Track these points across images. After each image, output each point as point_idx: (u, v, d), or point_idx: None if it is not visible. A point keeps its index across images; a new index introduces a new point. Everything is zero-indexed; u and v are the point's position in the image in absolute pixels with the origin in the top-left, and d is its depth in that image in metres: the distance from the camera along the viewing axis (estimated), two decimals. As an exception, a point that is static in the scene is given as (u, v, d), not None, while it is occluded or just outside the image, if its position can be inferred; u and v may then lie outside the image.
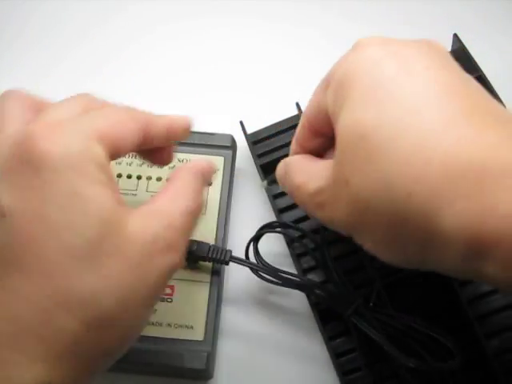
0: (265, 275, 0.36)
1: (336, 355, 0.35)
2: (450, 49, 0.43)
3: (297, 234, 0.38)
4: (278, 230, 0.38)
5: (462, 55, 0.42)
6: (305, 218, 0.39)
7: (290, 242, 0.38)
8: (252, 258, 0.36)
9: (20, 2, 0.51)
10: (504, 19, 0.48)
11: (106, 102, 0.30)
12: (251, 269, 0.36)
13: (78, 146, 0.25)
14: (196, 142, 0.41)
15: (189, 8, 0.51)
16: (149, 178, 0.39)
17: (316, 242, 0.37)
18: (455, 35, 0.42)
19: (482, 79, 0.40)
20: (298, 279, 0.36)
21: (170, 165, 0.39)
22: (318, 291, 0.35)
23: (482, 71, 0.40)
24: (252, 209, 0.41)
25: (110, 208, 0.25)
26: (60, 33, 0.50)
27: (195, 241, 0.36)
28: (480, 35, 0.45)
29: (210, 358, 0.34)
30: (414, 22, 0.48)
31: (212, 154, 0.40)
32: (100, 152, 0.26)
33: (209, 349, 0.34)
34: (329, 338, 0.36)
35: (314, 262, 0.37)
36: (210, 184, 0.39)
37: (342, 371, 0.35)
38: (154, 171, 0.40)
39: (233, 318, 0.38)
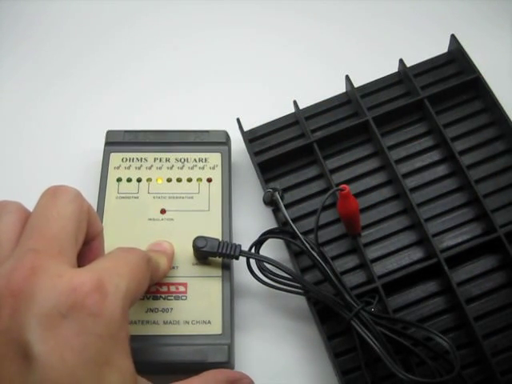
0: (268, 281, 0.36)
1: (335, 354, 0.35)
2: (447, 49, 0.44)
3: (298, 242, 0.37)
4: (281, 236, 0.38)
5: (459, 56, 0.43)
6: (304, 217, 0.40)
7: (288, 243, 0.38)
8: (253, 261, 0.37)
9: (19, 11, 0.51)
10: (501, 20, 0.49)
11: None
12: (253, 275, 0.36)
13: (119, 316, 0.26)
14: (191, 140, 0.41)
15: (189, 8, 0.51)
16: (149, 180, 0.40)
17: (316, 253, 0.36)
18: (453, 36, 0.43)
19: (479, 80, 0.41)
20: (299, 285, 0.36)
21: (169, 164, 0.40)
22: (318, 297, 0.35)
23: (479, 72, 0.41)
24: (251, 207, 0.42)
25: (133, 381, 0.26)
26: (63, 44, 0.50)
27: (204, 237, 0.36)
28: (477, 36, 0.47)
29: (231, 350, 0.35)
30: (413, 23, 0.49)
31: (208, 151, 0.41)
32: (128, 326, 0.27)
33: (228, 341, 0.35)
34: (328, 338, 0.36)
35: (312, 262, 0.37)
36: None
37: (342, 370, 0.35)
38: (154, 173, 0.40)
39: (242, 310, 0.39)
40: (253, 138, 0.42)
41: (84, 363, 0.24)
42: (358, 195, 0.40)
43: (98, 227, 0.31)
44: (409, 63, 0.43)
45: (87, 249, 0.31)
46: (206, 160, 0.40)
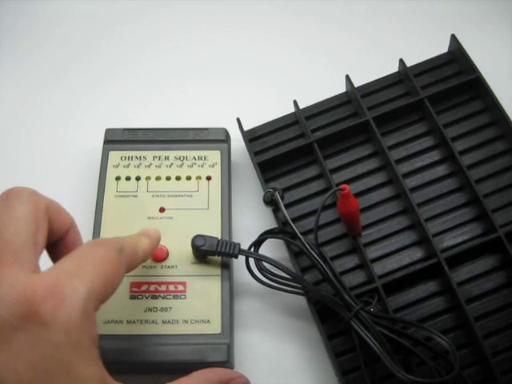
0: (267, 281, 0.36)
1: (335, 354, 0.35)
2: (447, 49, 0.44)
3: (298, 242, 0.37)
4: (280, 236, 0.38)
5: (459, 56, 0.43)
6: (304, 217, 0.40)
7: (288, 243, 0.38)
8: (252, 260, 0.37)
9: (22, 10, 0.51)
10: (501, 20, 0.49)
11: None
12: (253, 275, 0.36)
13: (79, 321, 0.24)
14: (191, 138, 0.41)
15: (190, 8, 0.51)
16: (148, 178, 0.39)
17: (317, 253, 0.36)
18: (453, 36, 0.43)
19: (479, 80, 0.41)
20: (299, 285, 0.36)
21: (168, 162, 0.40)
22: (317, 297, 0.35)
23: (479, 72, 0.41)
24: (251, 206, 0.42)
25: None
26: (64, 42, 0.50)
27: (203, 236, 0.36)
28: (477, 36, 0.47)
29: (230, 349, 0.35)
30: (413, 23, 0.49)
31: (208, 149, 0.41)
32: (95, 328, 0.25)
33: (227, 341, 0.35)
34: (328, 338, 0.36)
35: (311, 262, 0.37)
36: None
37: (342, 370, 0.35)
38: (153, 171, 0.40)
39: (241, 310, 0.39)
40: (253, 137, 0.42)
41: (42, 377, 0.23)
42: (358, 195, 0.40)
43: (66, 220, 0.30)
44: (409, 63, 0.43)
45: (61, 245, 0.30)
46: (205, 158, 0.40)
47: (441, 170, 0.40)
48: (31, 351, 0.23)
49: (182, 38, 0.50)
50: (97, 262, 0.26)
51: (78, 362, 0.24)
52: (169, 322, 0.35)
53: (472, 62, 0.42)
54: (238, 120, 0.42)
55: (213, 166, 0.40)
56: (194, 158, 0.40)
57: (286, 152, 0.41)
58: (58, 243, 0.30)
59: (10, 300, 0.24)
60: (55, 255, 0.30)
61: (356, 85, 0.42)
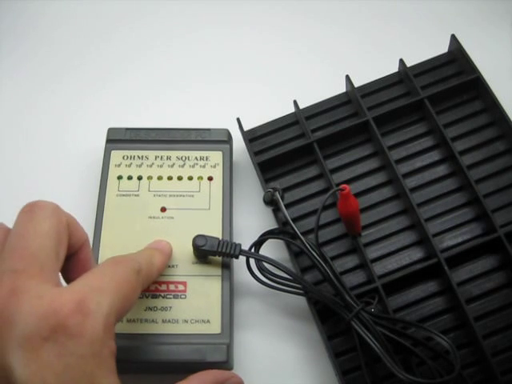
0: (267, 281, 0.36)
1: (335, 354, 0.35)
2: (447, 49, 0.44)
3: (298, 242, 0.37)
4: (280, 236, 0.38)
5: (459, 56, 0.43)
6: (304, 217, 0.40)
7: (288, 243, 0.38)
8: (252, 261, 0.37)
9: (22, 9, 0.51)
10: (501, 20, 0.49)
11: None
12: (253, 275, 0.36)
13: (102, 334, 0.25)
14: (193, 138, 0.41)
15: (191, 8, 0.51)
16: (150, 178, 0.40)
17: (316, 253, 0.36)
18: (453, 36, 0.43)
19: (479, 80, 0.41)
20: (299, 285, 0.36)
21: (170, 162, 0.40)
22: (318, 297, 0.35)
23: (479, 72, 0.41)
24: (251, 206, 0.42)
25: None
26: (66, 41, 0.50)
27: (204, 236, 0.36)
28: (477, 36, 0.47)
29: (230, 349, 0.35)
30: (413, 23, 0.49)
31: (210, 150, 0.41)
32: (114, 342, 0.26)
33: (227, 341, 0.35)
34: (328, 338, 0.36)
35: (312, 262, 0.37)
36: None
37: (342, 370, 0.35)
38: (155, 171, 0.40)
39: (241, 310, 0.39)
40: (253, 137, 0.42)
41: None
42: (358, 195, 0.40)
43: (82, 237, 0.31)
44: (409, 63, 0.43)
45: (75, 260, 0.30)
46: (207, 158, 0.40)
47: (441, 170, 0.40)
48: (58, 361, 0.24)
49: (183, 39, 0.50)
50: (117, 280, 0.28)
51: (99, 373, 0.25)
52: (169, 321, 0.35)
53: (472, 62, 0.42)
54: (238, 120, 0.42)
55: (214, 166, 0.40)
56: (196, 158, 0.40)
57: (286, 152, 0.41)
58: (70, 258, 0.30)
59: (39, 312, 0.24)
60: (67, 269, 0.31)
61: (356, 85, 0.42)
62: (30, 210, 0.28)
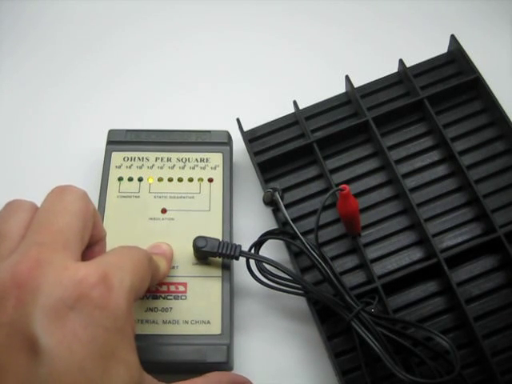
0: (267, 282, 0.36)
1: (335, 354, 0.35)
2: (447, 49, 0.44)
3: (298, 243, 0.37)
4: (280, 237, 0.38)
5: (459, 56, 0.43)
6: (304, 217, 0.40)
7: (288, 244, 0.38)
8: (252, 261, 0.37)
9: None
10: (501, 20, 0.49)
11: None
12: (253, 276, 0.36)
13: (125, 310, 0.26)
14: (193, 140, 0.41)
15: (190, 9, 0.51)
16: (150, 180, 0.40)
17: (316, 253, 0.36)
18: (452, 36, 0.43)
19: (479, 80, 0.41)
20: (299, 286, 0.36)
21: (170, 164, 0.40)
22: (318, 297, 0.35)
23: (479, 72, 0.41)
24: (251, 207, 0.42)
25: (139, 377, 0.26)
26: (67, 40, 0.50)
27: (204, 237, 0.36)
28: (477, 36, 0.47)
29: (230, 350, 0.35)
30: (413, 23, 0.49)
31: (210, 151, 0.41)
32: (133, 321, 0.27)
33: (227, 341, 0.35)
34: (328, 338, 0.36)
35: (311, 263, 0.37)
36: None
37: (342, 370, 0.35)
38: (155, 172, 0.40)
39: (241, 310, 0.39)
40: (253, 137, 0.42)
41: (92, 355, 0.24)
42: (358, 195, 0.40)
43: (102, 232, 0.31)
44: (409, 63, 0.43)
45: (90, 252, 0.31)
46: (207, 160, 0.41)
47: (441, 170, 0.40)
48: (83, 331, 0.24)
49: (183, 40, 0.50)
50: (135, 262, 0.28)
51: (122, 348, 0.25)
52: (169, 322, 0.35)
53: (471, 62, 0.42)
54: (238, 120, 0.42)
55: (215, 168, 0.40)
56: (196, 159, 0.41)
57: (286, 152, 0.41)
58: (86, 249, 0.30)
59: (64, 281, 0.25)
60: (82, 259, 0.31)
61: (356, 85, 0.42)
62: (61, 192, 0.28)
